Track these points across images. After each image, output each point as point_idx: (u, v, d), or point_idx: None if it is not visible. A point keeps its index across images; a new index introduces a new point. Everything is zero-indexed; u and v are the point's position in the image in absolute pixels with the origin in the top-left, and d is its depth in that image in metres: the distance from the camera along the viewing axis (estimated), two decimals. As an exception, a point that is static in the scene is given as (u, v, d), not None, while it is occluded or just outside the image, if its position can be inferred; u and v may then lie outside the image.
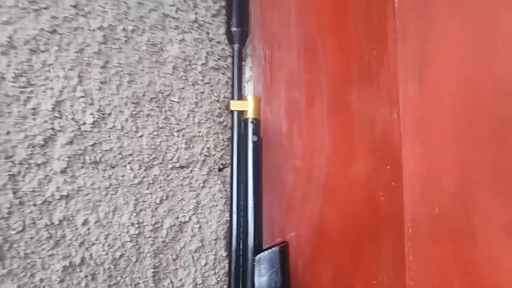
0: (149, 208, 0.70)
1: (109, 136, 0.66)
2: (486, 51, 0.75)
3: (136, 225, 0.68)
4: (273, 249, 0.74)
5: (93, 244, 0.64)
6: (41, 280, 0.60)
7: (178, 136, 0.74)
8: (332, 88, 0.90)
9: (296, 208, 0.84)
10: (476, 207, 0.75)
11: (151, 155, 0.71)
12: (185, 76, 0.76)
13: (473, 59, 0.77)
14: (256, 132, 0.77)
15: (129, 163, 0.68)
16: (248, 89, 0.84)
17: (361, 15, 0.95)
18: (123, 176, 0.68)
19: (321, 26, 0.90)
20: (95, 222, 0.64)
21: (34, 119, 0.60)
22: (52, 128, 0.61)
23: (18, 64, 0.58)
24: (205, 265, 0.76)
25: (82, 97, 0.64)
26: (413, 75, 0.93)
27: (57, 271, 0.60)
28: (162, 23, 0.73)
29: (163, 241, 0.71)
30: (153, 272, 0.70)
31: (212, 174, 0.79)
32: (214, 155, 0.79)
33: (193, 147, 0.76)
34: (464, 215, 0.77)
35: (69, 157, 0.62)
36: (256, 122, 0.78)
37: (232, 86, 0.78)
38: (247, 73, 0.84)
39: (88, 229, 0.64)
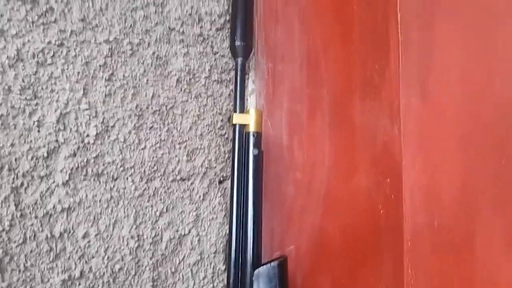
0: (149, 220, 0.71)
1: (111, 148, 0.67)
2: (487, 67, 0.76)
3: (136, 238, 0.69)
4: (272, 263, 0.74)
5: (93, 257, 0.64)
6: (41, 293, 0.60)
7: (180, 148, 0.75)
8: (333, 101, 0.91)
9: (296, 220, 0.84)
10: (476, 220, 0.75)
11: (153, 168, 0.71)
12: (189, 89, 0.76)
13: (475, 75, 0.78)
14: (257, 145, 0.77)
15: (130, 175, 0.69)
16: (251, 101, 0.84)
17: (364, 29, 0.96)
18: (124, 188, 0.68)
19: (325, 39, 0.91)
20: (96, 235, 0.65)
21: (38, 131, 0.60)
22: (56, 140, 0.61)
23: (25, 77, 0.59)
24: (203, 278, 0.76)
25: (86, 109, 0.64)
26: (415, 89, 0.94)
27: (56, 284, 0.61)
28: (168, 36, 0.73)
29: (162, 254, 0.72)
30: (152, 285, 0.70)
31: (213, 187, 0.79)
32: (215, 167, 0.79)
33: (194, 159, 0.77)
34: (464, 228, 0.78)
35: (71, 169, 0.63)
36: (258, 135, 0.78)
37: (235, 99, 0.79)
38: (250, 86, 0.84)
39: (88, 241, 0.64)
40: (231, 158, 0.78)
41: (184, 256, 0.74)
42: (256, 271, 0.74)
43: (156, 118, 0.72)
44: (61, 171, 0.62)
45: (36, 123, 0.60)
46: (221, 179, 0.81)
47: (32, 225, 0.59)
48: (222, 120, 0.81)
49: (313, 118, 0.88)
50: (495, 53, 0.75)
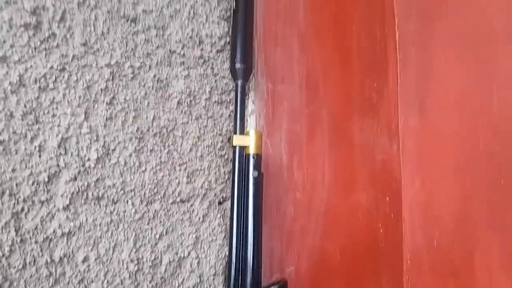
0: (149, 243, 0.70)
1: (112, 172, 0.67)
2: (485, 88, 0.76)
3: (136, 261, 0.69)
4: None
5: (92, 281, 0.64)
6: (40, 318, 0.60)
7: (180, 170, 0.75)
8: (332, 120, 0.91)
9: (296, 241, 0.84)
10: (475, 240, 0.75)
11: (153, 190, 0.71)
12: (189, 110, 0.76)
13: (473, 95, 0.79)
14: (257, 167, 0.78)
15: (131, 198, 0.69)
16: (250, 122, 0.85)
17: (363, 48, 0.96)
18: (124, 211, 0.68)
19: (324, 59, 0.91)
20: (95, 259, 0.65)
21: (39, 156, 0.60)
22: (57, 165, 0.61)
23: (27, 102, 0.59)
24: (202, 301, 0.76)
25: (87, 133, 0.64)
26: (413, 108, 0.94)
27: (56, 309, 0.61)
28: (169, 59, 0.74)
29: (161, 278, 0.71)
30: (151, 309, 0.70)
31: (212, 208, 0.79)
32: (214, 188, 0.79)
33: (194, 181, 0.77)
34: (463, 249, 0.78)
35: (72, 193, 0.63)
36: (258, 157, 0.78)
37: (235, 121, 0.79)
38: (250, 106, 0.85)
39: (88, 265, 0.64)
40: (231, 180, 0.79)
41: (183, 279, 0.74)
42: (256, 295, 0.74)
43: (157, 141, 0.72)
44: (61, 195, 0.62)
45: (37, 148, 0.60)
46: (221, 200, 0.81)
47: (32, 250, 0.59)
48: (222, 141, 0.81)
49: (312, 137, 0.89)
50: (493, 75, 0.75)
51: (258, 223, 0.77)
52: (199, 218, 0.77)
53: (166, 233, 0.73)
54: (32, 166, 0.59)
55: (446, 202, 0.83)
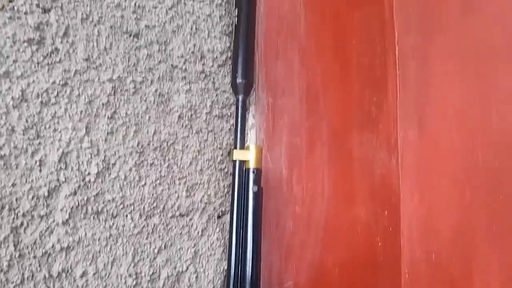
0: (147, 258, 0.70)
1: (112, 186, 0.67)
2: (484, 102, 0.76)
3: (134, 276, 0.68)
4: (270, 303, 0.74)
5: (91, 296, 0.64)
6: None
7: (179, 184, 0.75)
8: (332, 134, 0.91)
9: (295, 255, 0.84)
10: (474, 255, 0.76)
11: (152, 204, 0.71)
12: (190, 124, 0.77)
13: (472, 109, 0.79)
14: (257, 182, 0.78)
15: (130, 212, 0.69)
16: (251, 136, 0.85)
17: (362, 63, 0.97)
18: (123, 226, 0.68)
19: (324, 73, 0.92)
20: (94, 274, 0.65)
21: (40, 170, 0.60)
22: (57, 179, 0.62)
23: (28, 117, 0.59)
24: (200, 316, 0.76)
25: (88, 148, 0.64)
26: (413, 122, 0.94)
27: (54, 325, 0.60)
28: (170, 74, 0.74)
29: (160, 292, 0.71)
30: (149, 324, 0.70)
31: (211, 222, 0.79)
32: (214, 202, 0.79)
33: (193, 194, 0.77)
34: (461, 263, 0.78)
35: (72, 208, 0.63)
36: (258, 172, 0.78)
37: (235, 135, 0.79)
38: (250, 120, 0.85)
39: (87, 280, 0.64)
40: (230, 194, 0.79)
41: (181, 294, 0.74)
42: (254, 311, 0.74)
43: (157, 155, 0.72)
44: (61, 210, 0.62)
45: (38, 163, 0.60)
46: (220, 214, 0.81)
47: (30, 265, 0.59)
48: (222, 155, 0.81)
49: (312, 151, 0.89)
50: (492, 90, 0.76)
51: (258, 237, 0.77)
52: (198, 232, 0.77)
53: (164, 247, 0.73)
54: (32, 181, 0.59)
55: (444, 216, 0.84)
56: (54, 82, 0.61)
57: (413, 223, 0.92)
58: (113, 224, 0.67)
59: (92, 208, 0.65)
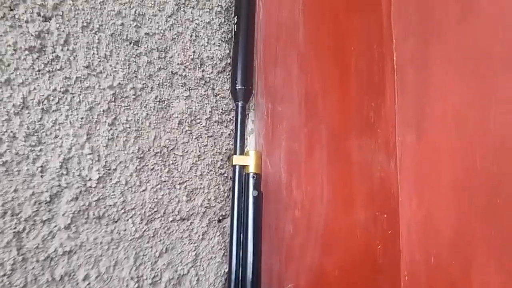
0: (149, 261, 0.71)
1: (113, 191, 0.68)
2: (482, 107, 0.77)
3: (136, 279, 0.69)
4: (270, 306, 0.75)
5: (93, 299, 0.65)
6: (40, 336, 0.60)
7: (180, 188, 0.76)
8: (331, 138, 0.92)
9: (295, 258, 0.85)
10: (472, 258, 0.76)
11: (153, 209, 0.72)
12: (190, 130, 0.78)
13: (470, 114, 0.80)
14: (257, 187, 0.79)
15: (131, 217, 0.70)
16: (250, 141, 0.86)
17: (361, 68, 0.98)
18: (125, 230, 0.69)
19: (323, 79, 0.93)
20: (96, 277, 0.65)
21: (42, 176, 0.61)
22: (59, 185, 0.63)
23: (30, 124, 0.60)
24: (201, 319, 0.77)
25: (89, 154, 0.65)
26: (411, 127, 0.95)
27: (56, 328, 0.61)
28: (170, 80, 0.75)
29: (161, 295, 0.72)
30: (150, 328, 0.71)
31: (212, 226, 0.80)
32: (214, 206, 0.80)
33: (194, 199, 0.78)
34: (460, 266, 0.79)
35: (73, 213, 0.64)
36: (257, 177, 0.79)
37: (235, 141, 0.80)
38: (250, 126, 0.86)
39: (89, 284, 0.65)
40: (230, 198, 0.80)
41: (182, 297, 0.75)
42: (254, 313, 0.75)
43: (158, 160, 0.73)
44: (63, 214, 0.63)
45: (39, 169, 0.61)
46: (220, 217, 0.82)
47: (33, 269, 0.60)
48: (222, 160, 0.82)
49: (311, 156, 0.90)
50: (490, 95, 0.76)
51: (258, 241, 0.78)
52: (199, 236, 0.78)
53: (166, 251, 0.73)
54: (34, 186, 0.60)
55: (443, 220, 0.84)
56: (55, 89, 0.62)
57: (412, 226, 0.93)
58: (114, 228, 0.68)
59: (93, 213, 0.66)
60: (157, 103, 0.73)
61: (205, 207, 0.79)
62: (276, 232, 0.84)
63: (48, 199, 0.61)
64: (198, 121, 0.79)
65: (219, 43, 0.82)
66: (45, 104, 0.62)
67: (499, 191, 0.75)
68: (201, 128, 0.79)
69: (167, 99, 0.75)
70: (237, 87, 0.79)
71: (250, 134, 0.86)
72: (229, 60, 0.83)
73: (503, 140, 0.74)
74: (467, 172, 0.81)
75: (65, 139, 0.63)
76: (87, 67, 0.66)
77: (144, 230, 0.71)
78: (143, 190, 0.71)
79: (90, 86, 0.66)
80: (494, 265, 0.74)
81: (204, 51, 0.80)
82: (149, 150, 0.72)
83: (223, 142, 0.83)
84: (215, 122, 0.81)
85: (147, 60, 0.72)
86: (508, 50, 0.73)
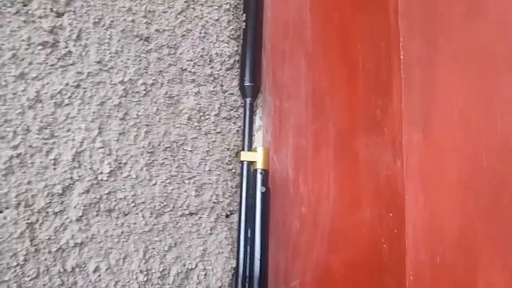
0: (158, 255, 0.72)
1: (124, 185, 0.69)
2: (488, 106, 0.78)
3: (145, 272, 0.70)
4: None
5: (103, 291, 0.66)
6: (51, 327, 0.61)
7: (189, 183, 0.77)
8: (338, 136, 0.93)
9: (301, 255, 0.85)
10: (478, 258, 0.76)
11: (163, 203, 0.73)
12: (199, 126, 0.79)
13: (476, 114, 0.80)
14: (264, 183, 0.79)
15: (141, 210, 0.71)
16: (257, 137, 0.87)
17: (368, 66, 0.98)
18: (134, 223, 0.70)
19: (330, 77, 0.93)
20: (106, 269, 0.67)
21: (54, 169, 0.62)
22: (71, 178, 0.64)
23: (43, 117, 0.61)
24: (209, 313, 0.78)
25: (101, 147, 0.67)
26: (417, 125, 0.96)
27: (67, 318, 0.62)
28: (180, 77, 0.76)
29: (169, 288, 0.73)
30: (159, 319, 0.72)
31: (220, 221, 0.81)
32: (222, 202, 0.81)
33: (202, 194, 0.79)
34: (466, 265, 0.79)
35: (85, 205, 0.65)
36: (265, 173, 0.80)
37: (243, 137, 0.81)
38: (257, 122, 0.87)
39: (99, 276, 0.66)
40: (238, 194, 0.81)
41: (190, 291, 0.76)
42: (261, 307, 0.75)
43: (167, 155, 0.74)
44: (74, 207, 0.64)
45: (52, 162, 0.62)
46: (228, 213, 0.83)
47: (45, 259, 0.61)
48: (230, 156, 0.83)
49: (318, 153, 0.90)
50: (497, 93, 0.77)
51: (265, 236, 0.79)
52: (207, 231, 0.79)
53: (174, 245, 0.74)
54: (47, 179, 0.62)
55: (449, 219, 0.85)
56: (67, 84, 0.64)
57: (418, 225, 0.93)
58: (124, 221, 0.69)
59: (104, 206, 0.67)
60: (167, 98, 0.74)
61: (213, 202, 0.80)
62: (283, 228, 0.85)
63: (60, 191, 0.63)
64: (207, 117, 0.80)
65: (228, 40, 0.83)
66: (57, 98, 0.63)
67: (505, 190, 0.75)
68: (209, 124, 0.80)
69: (177, 95, 0.76)
70: (245, 84, 0.80)
71: (258, 130, 0.87)
72: (237, 57, 0.84)
73: (508, 140, 0.75)
74: (472, 172, 0.81)
75: (77, 133, 0.64)
76: (98, 62, 0.67)
77: (154, 224, 0.72)
78: (153, 184, 0.72)
79: (102, 81, 0.67)
80: (499, 265, 0.74)
81: (213, 48, 0.81)
82: (159, 145, 0.73)
83: (231, 138, 0.83)
84: (224, 118, 0.82)
85: (157, 56, 0.73)
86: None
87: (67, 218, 0.63)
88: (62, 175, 0.63)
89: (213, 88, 0.81)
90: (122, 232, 0.69)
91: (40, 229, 0.61)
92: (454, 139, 0.85)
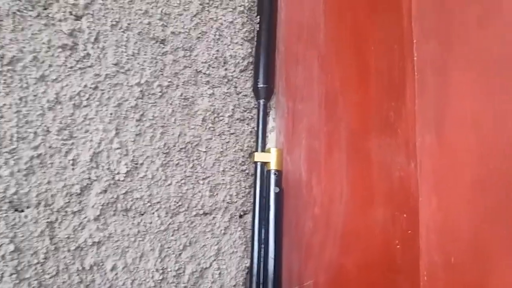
0: (173, 254, 0.73)
1: (140, 185, 0.70)
2: (502, 109, 0.78)
3: (161, 271, 0.71)
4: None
5: (120, 289, 0.67)
6: (70, 323, 0.63)
7: (203, 184, 0.78)
8: (351, 137, 0.93)
9: (314, 255, 0.86)
10: (492, 260, 0.76)
11: (178, 203, 0.74)
12: (213, 127, 0.80)
13: (490, 115, 0.80)
14: (278, 183, 0.80)
15: (157, 210, 0.72)
16: (271, 138, 0.87)
17: (381, 68, 0.99)
18: (150, 223, 0.71)
19: (343, 79, 0.94)
20: (123, 268, 0.68)
21: (73, 169, 0.64)
22: (89, 178, 0.65)
23: (62, 119, 0.63)
24: (223, 311, 0.79)
25: (118, 148, 0.68)
26: (431, 128, 0.96)
27: (86, 315, 0.64)
28: (195, 78, 0.77)
29: (184, 287, 0.74)
30: (175, 318, 0.73)
31: (233, 221, 0.82)
32: (236, 202, 0.82)
33: (216, 194, 0.80)
34: (480, 267, 0.79)
35: (102, 205, 0.66)
36: (278, 173, 0.81)
37: (257, 138, 0.82)
38: (271, 123, 0.88)
39: (116, 274, 0.67)
40: (252, 194, 0.81)
41: (205, 289, 0.77)
42: (275, 307, 0.76)
43: (182, 156, 0.75)
44: (92, 206, 0.65)
45: (71, 162, 0.63)
46: (242, 213, 0.84)
47: (64, 258, 0.62)
48: (243, 156, 0.84)
49: (331, 154, 0.91)
50: (507, 99, 0.77)
51: (279, 236, 0.80)
52: (221, 231, 0.80)
53: (189, 244, 0.75)
54: (65, 179, 0.63)
55: (463, 220, 0.85)
56: (85, 86, 0.65)
57: (431, 226, 0.93)
58: (141, 221, 0.70)
59: (121, 206, 0.68)
60: (182, 100, 0.76)
61: (227, 202, 0.81)
62: (296, 228, 0.85)
63: (78, 191, 0.64)
64: (221, 118, 0.81)
65: (242, 42, 0.84)
66: (76, 100, 0.64)
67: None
68: (223, 125, 0.81)
69: (192, 96, 0.77)
70: (259, 86, 0.81)
71: (271, 131, 0.88)
72: (251, 59, 0.85)
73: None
74: (485, 173, 0.81)
75: (95, 134, 0.66)
76: (116, 64, 0.68)
77: (169, 223, 0.73)
78: (169, 185, 0.73)
79: (119, 83, 0.68)
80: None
81: (227, 50, 0.82)
82: (174, 145, 0.74)
83: (244, 139, 0.84)
84: (237, 119, 0.83)
85: (173, 59, 0.75)
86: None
87: (85, 217, 0.65)
88: (80, 175, 0.64)
89: (227, 89, 0.82)
90: (139, 231, 0.70)
91: (59, 228, 0.62)
92: (467, 141, 0.85)
